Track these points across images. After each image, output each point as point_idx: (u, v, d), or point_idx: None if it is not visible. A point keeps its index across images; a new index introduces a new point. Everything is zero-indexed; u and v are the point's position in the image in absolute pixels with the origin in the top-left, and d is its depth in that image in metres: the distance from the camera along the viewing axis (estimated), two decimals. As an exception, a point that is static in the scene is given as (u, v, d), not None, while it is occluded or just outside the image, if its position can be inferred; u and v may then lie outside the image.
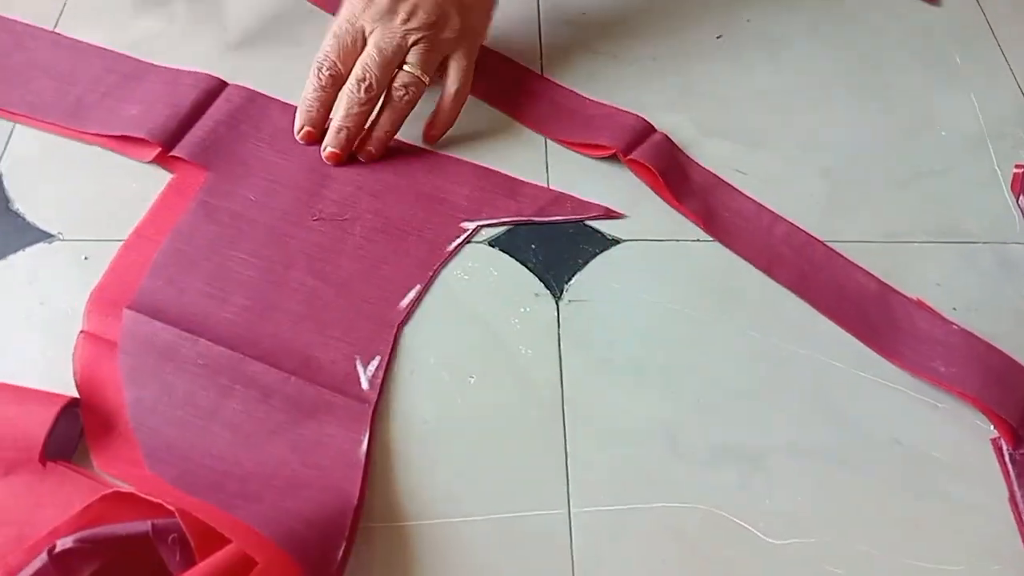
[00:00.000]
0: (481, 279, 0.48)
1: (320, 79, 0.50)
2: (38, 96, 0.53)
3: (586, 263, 0.49)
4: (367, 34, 0.49)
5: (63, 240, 0.48)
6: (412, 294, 0.47)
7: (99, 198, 0.50)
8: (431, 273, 0.48)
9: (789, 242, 0.51)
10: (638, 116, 0.55)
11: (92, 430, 0.41)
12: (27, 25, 0.57)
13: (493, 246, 0.50)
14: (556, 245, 0.50)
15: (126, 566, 0.36)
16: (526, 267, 0.49)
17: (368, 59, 0.49)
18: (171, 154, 0.50)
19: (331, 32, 0.50)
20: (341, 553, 0.38)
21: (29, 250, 0.47)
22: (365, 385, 0.44)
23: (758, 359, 0.46)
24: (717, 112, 0.57)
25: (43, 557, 0.35)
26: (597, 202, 0.52)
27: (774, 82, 0.59)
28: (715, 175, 0.53)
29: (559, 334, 0.46)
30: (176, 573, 0.36)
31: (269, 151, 0.51)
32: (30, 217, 0.48)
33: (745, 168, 0.54)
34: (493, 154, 0.54)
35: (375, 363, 0.44)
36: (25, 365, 0.43)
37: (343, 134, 0.50)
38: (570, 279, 0.49)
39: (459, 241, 0.49)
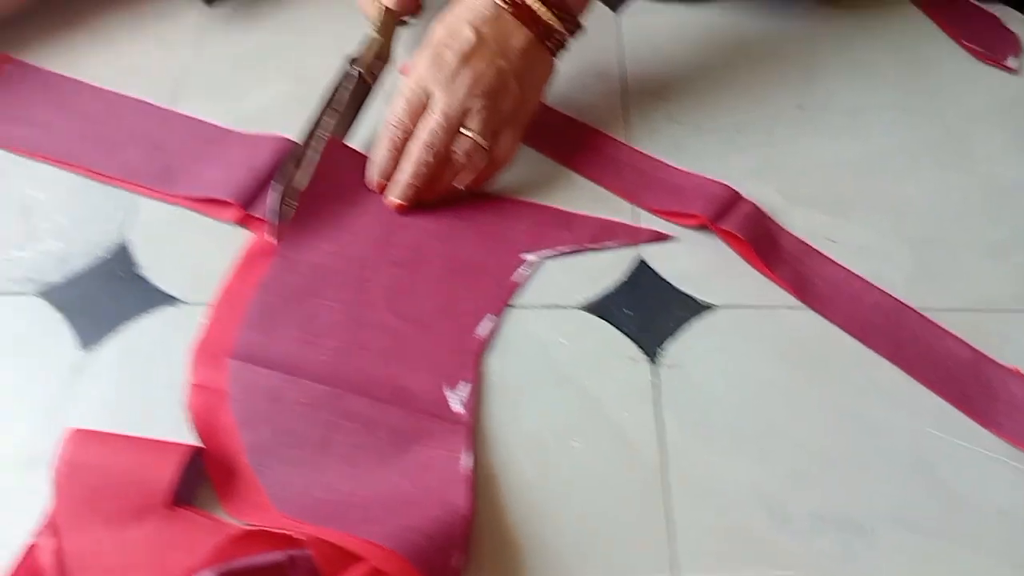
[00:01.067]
0: (578, 343, 0.50)
1: (395, 141, 0.54)
2: (130, 161, 0.57)
3: (681, 329, 0.50)
4: (432, 98, 0.53)
5: (185, 304, 0.51)
6: (487, 323, 0.50)
7: (217, 264, 0.52)
8: (502, 304, 0.51)
9: (881, 310, 0.52)
10: (725, 185, 0.56)
11: (217, 477, 0.44)
12: (117, 94, 0.61)
13: (588, 311, 0.51)
14: (649, 311, 0.51)
15: None
16: (622, 332, 0.50)
17: (435, 124, 0.52)
18: (249, 213, 0.54)
19: (401, 94, 0.53)
20: (456, 561, 0.41)
21: (155, 313, 0.50)
22: (458, 408, 0.47)
23: (856, 427, 0.47)
24: (803, 181, 0.58)
25: None
26: (649, 229, 0.55)
27: (859, 151, 0.60)
28: (805, 243, 0.54)
29: (657, 399, 0.48)
30: None
31: (341, 205, 0.55)
32: (155, 282, 0.52)
33: (834, 236, 0.55)
34: (585, 222, 0.55)
35: (462, 387, 0.48)
36: (152, 421, 0.46)
37: (410, 190, 0.54)
38: (665, 344, 0.50)
39: (522, 271, 0.53)
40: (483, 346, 0.50)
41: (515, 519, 0.43)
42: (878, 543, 0.43)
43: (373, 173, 0.55)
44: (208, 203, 0.55)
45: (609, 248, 0.54)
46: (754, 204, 0.55)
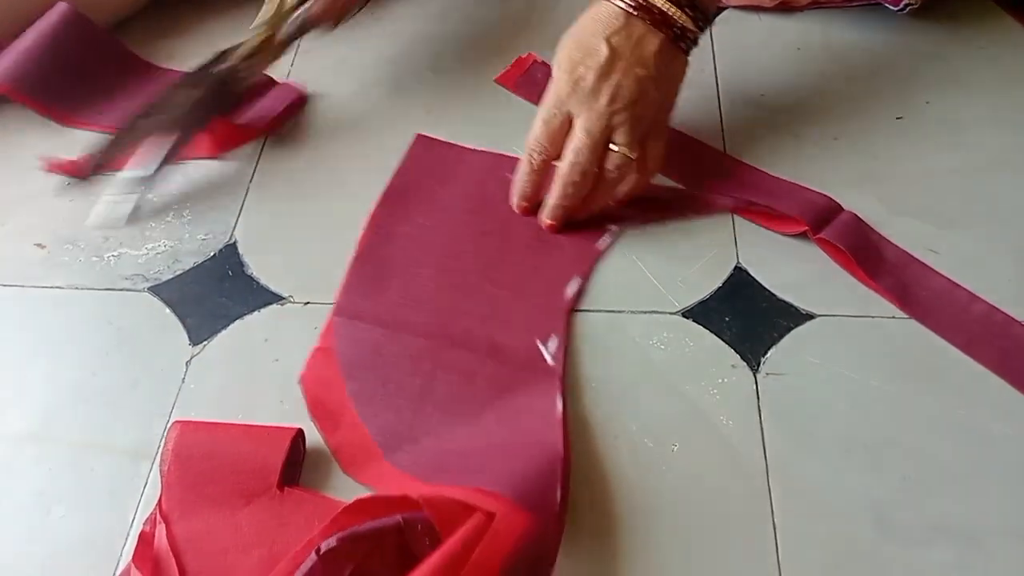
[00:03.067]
0: (677, 349, 0.50)
1: (532, 163, 0.53)
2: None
3: (781, 337, 0.50)
4: (574, 117, 0.52)
5: (293, 302, 0.52)
6: (574, 283, 0.53)
7: (324, 263, 0.54)
8: (587, 266, 0.54)
9: (987, 321, 0.51)
10: (825, 195, 0.56)
11: (325, 426, 0.47)
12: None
13: (687, 317, 0.51)
14: (750, 318, 0.51)
15: (380, 560, 0.40)
16: (721, 339, 0.50)
17: (579, 143, 0.51)
18: None
19: (540, 118, 0.53)
20: (559, 496, 0.42)
21: (264, 311, 0.52)
22: (549, 360, 0.49)
23: (965, 438, 0.46)
24: (904, 191, 0.57)
25: (312, 557, 0.39)
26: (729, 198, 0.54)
27: (959, 161, 0.59)
28: (907, 252, 0.54)
29: (759, 407, 0.47)
30: (427, 556, 0.39)
31: (433, 182, 0.58)
32: (263, 280, 0.53)
33: (936, 247, 0.54)
34: (679, 230, 0.56)
35: (553, 342, 0.50)
36: (259, 415, 0.47)
37: (560, 211, 0.54)
38: (766, 352, 0.49)
39: (605, 238, 0.55)
40: (572, 304, 0.52)
41: (615, 519, 0.43)
42: (990, 555, 0.42)
43: (514, 197, 0.56)
44: None
45: (691, 218, 0.55)
46: (854, 214, 0.55)
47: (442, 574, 0.37)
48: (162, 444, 0.43)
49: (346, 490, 0.44)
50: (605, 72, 0.51)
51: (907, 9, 0.67)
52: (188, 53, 0.67)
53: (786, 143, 0.60)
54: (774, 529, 0.43)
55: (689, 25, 0.52)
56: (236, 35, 0.67)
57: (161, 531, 0.42)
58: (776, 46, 0.67)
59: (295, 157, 0.60)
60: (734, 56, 0.66)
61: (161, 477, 0.43)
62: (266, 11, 0.57)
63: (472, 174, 0.59)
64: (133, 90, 0.64)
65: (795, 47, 0.67)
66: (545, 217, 0.55)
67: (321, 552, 0.39)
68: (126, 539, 0.43)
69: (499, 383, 0.48)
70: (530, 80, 0.65)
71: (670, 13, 0.52)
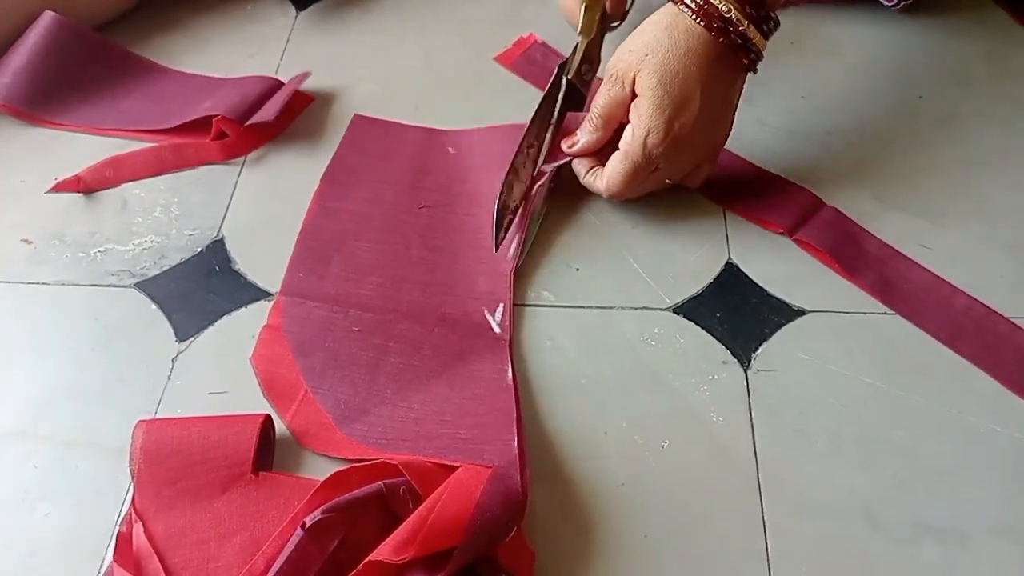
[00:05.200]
0: (667, 345, 0.50)
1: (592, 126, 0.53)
2: (130, 111, 0.61)
3: (772, 333, 0.50)
4: (641, 119, 0.50)
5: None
6: (515, 244, 0.53)
7: (309, 260, 0.53)
8: (526, 221, 0.54)
9: (970, 315, 0.50)
10: (806, 191, 0.56)
11: (281, 405, 0.47)
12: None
13: (677, 313, 0.51)
14: (741, 314, 0.51)
15: (366, 527, 0.41)
16: (712, 335, 0.50)
17: (636, 153, 0.50)
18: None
19: (608, 89, 0.51)
20: (516, 446, 0.44)
21: (251, 307, 0.51)
22: (496, 329, 0.50)
23: (954, 435, 0.46)
24: (897, 186, 0.57)
25: (299, 532, 0.40)
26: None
27: (953, 157, 0.59)
28: (891, 247, 0.53)
29: (749, 403, 0.47)
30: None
31: (372, 160, 0.59)
32: (251, 277, 0.53)
33: (930, 243, 0.54)
34: (670, 226, 0.55)
35: (500, 310, 0.51)
36: (247, 409, 0.46)
37: (611, 192, 0.53)
38: (757, 348, 0.49)
39: (540, 183, 0.54)
40: (515, 265, 0.52)
41: (605, 517, 0.43)
42: (977, 552, 0.42)
43: (576, 145, 0.54)
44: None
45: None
46: (836, 209, 0.55)
47: (421, 527, 0.38)
48: (129, 445, 0.43)
49: (320, 471, 0.44)
50: (681, 112, 0.49)
51: (900, 5, 0.67)
52: (179, 49, 0.67)
53: (779, 138, 0.60)
54: (764, 526, 0.43)
55: (761, 51, 0.51)
56: (229, 30, 0.67)
57: (138, 529, 0.42)
58: (770, 41, 0.67)
59: (283, 152, 0.60)
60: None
61: (132, 477, 0.43)
62: (585, 19, 0.58)
63: (411, 149, 0.60)
64: (132, 88, 0.63)
65: (788, 42, 0.67)
66: (601, 188, 0.53)
67: (307, 526, 0.39)
68: (111, 537, 0.43)
69: (449, 352, 0.49)
70: (529, 60, 0.66)
71: (754, 40, 0.50)
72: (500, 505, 0.41)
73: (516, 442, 0.44)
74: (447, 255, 0.54)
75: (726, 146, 0.55)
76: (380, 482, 0.41)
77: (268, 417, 0.45)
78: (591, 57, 0.57)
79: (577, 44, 0.57)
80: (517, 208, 0.53)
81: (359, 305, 0.51)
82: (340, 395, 0.47)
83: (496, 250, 0.52)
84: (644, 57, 0.49)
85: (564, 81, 0.55)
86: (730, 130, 0.54)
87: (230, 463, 0.43)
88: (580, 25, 0.57)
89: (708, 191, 0.57)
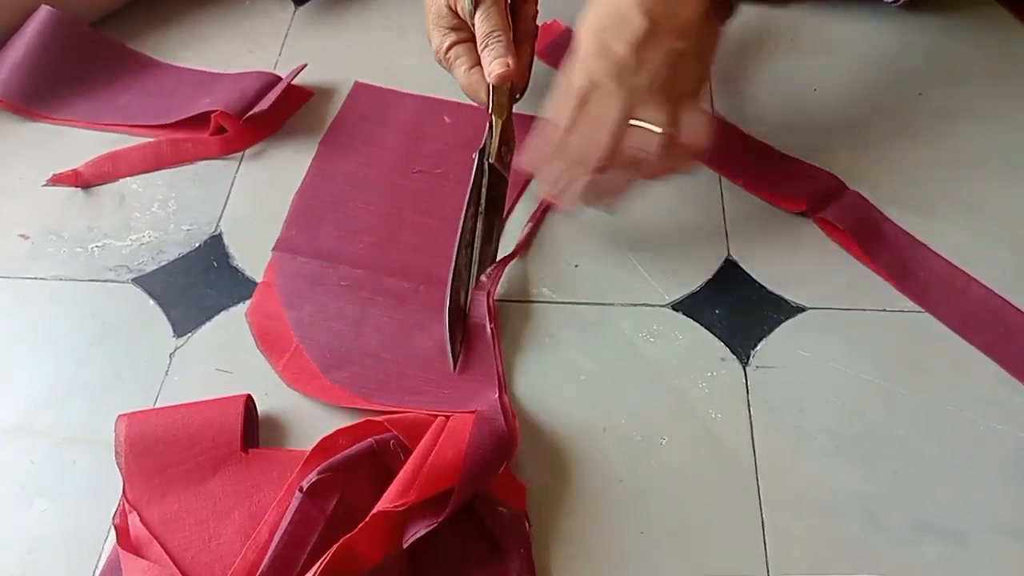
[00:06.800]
0: (666, 342, 0.49)
1: (551, 139, 0.49)
2: (127, 107, 0.61)
3: (771, 330, 0.50)
4: (595, 89, 0.46)
5: (279, 294, 0.52)
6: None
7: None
8: (517, 191, 0.56)
9: (985, 305, 0.50)
10: (831, 173, 0.56)
11: (273, 355, 0.49)
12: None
13: (676, 310, 0.51)
14: (740, 311, 0.51)
15: (361, 485, 0.41)
16: (711, 332, 0.50)
17: (605, 120, 0.46)
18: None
19: (561, 88, 0.48)
20: (499, 401, 0.45)
21: (248, 302, 0.51)
22: (483, 279, 0.51)
23: (955, 434, 0.46)
24: (894, 182, 0.57)
25: (297, 496, 0.40)
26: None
27: (950, 153, 0.59)
28: (909, 234, 0.53)
29: (748, 400, 0.47)
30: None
31: (369, 125, 0.61)
32: (249, 272, 0.53)
33: (929, 238, 0.53)
34: (669, 221, 0.55)
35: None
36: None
37: (584, 199, 0.50)
38: (756, 345, 0.49)
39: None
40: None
41: (603, 513, 0.43)
42: (979, 552, 0.42)
43: (541, 188, 0.52)
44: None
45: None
46: (857, 192, 0.55)
47: (417, 473, 0.40)
48: (113, 439, 0.43)
49: (307, 443, 0.44)
50: (639, 44, 0.45)
51: (900, 1, 0.67)
52: (177, 44, 0.66)
53: (778, 133, 0.60)
54: (762, 524, 0.43)
55: None
56: (227, 26, 0.67)
57: (134, 519, 0.42)
58: (769, 37, 0.67)
59: (281, 148, 0.60)
60: (727, 48, 0.65)
61: (120, 470, 0.43)
62: (495, 100, 0.53)
63: (408, 116, 0.61)
64: (130, 83, 0.63)
65: (788, 38, 0.67)
66: (568, 205, 0.51)
67: (304, 489, 0.40)
68: (108, 532, 0.43)
69: (432, 306, 0.50)
70: (559, 47, 0.63)
71: None
72: (490, 443, 0.42)
73: (498, 394, 0.46)
74: (438, 219, 0.55)
75: (745, 129, 0.54)
76: (370, 439, 0.42)
77: (249, 396, 0.46)
78: (507, 137, 0.53)
79: (491, 125, 0.52)
80: (466, 314, 0.50)
81: (349, 261, 0.53)
82: (327, 345, 0.49)
83: (455, 368, 0.48)
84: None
85: (487, 166, 0.52)
86: (707, 75, 0.50)
87: (218, 444, 0.44)
88: (491, 105, 0.52)
89: (726, 170, 0.57)
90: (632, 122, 0.46)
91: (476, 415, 0.44)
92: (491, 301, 0.50)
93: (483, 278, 0.51)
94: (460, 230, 0.50)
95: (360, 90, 0.63)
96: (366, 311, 0.50)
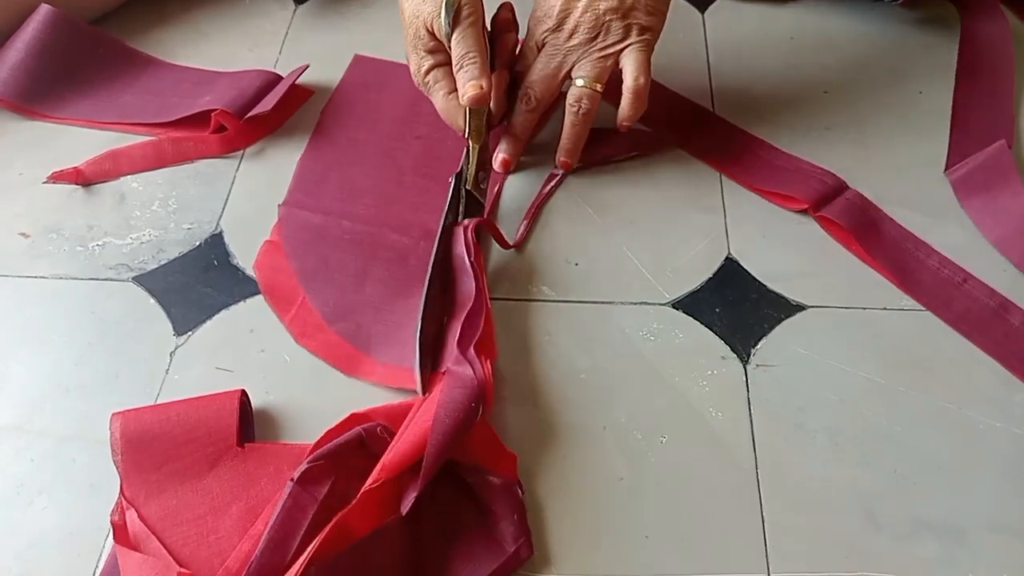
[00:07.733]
0: (666, 340, 0.49)
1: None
2: (128, 106, 0.62)
3: (771, 328, 0.50)
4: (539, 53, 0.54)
5: (280, 292, 0.52)
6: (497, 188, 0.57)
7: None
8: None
9: (985, 303, 0.51)
10: (831, 172, 0.56)
11: (279, 307, 0.51)
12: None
13: (676, 308, 0.51)
14: (740, 309, 0.51)
15: (351, 472, 0.42)
16: (711, 330, 0.50)
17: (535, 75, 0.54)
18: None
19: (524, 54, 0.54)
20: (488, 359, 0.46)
21: (249, 301, 0.51)
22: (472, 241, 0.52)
23: (955, 432, 0.46)
24: (896, 181, 0.57)
25: (289, 485, 0.41)
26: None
27: (952, 152, 0.59)
28: (910, 232, 0.54)
29: (749, 398, 0.47)
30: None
31: (370, 94, 0.63)
32: (249, 271, 0.52)
33: (929, 237, 0.53)
34: (670, 220, 0.55)
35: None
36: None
37: (513, 152, 0.57)
38: (756, 344, 0.49)
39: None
40: (502, 182, 0.57)
41: (603, 511, 0.43)
42: (976, 549, 0.42)
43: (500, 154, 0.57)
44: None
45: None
46: (858, 192, 0.55)
47: (395, 448, 0.41)
48: (109, 437, 0.43)
49: (301, 436, 0.45)
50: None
51: (900, 0, 0.67)
52: (177, 42, 0.66)
53: (779, 132, 0.60)
54: (762, 521, 0.43)
55: None
56: (227, 24, 0.67)
57: (132, 516, 0.42)
58: (769, 36, 0.67)
59: (282, 146, 0.60)
60: (727, 46, 0.66)
61: (116, 467, 0.43)
62: (472, 125, 0.53)
63: (407, 86, 0.59)
64: (130, 82, 0.63)
65: (788, 37, 0.67)
66: (501, 152, 0.57)
67: (295, 478, 0.41)
68: (108, 530, 0.43)
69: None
70: None
71: None
72: (460, 395, 0.43)
73: (474, 341, 0.47)
74: (437, 182, 0.56)
75: (747, 128, 0.55)
76: (358, 429, 0.43)
77: (243, 391, 0.46)
78: (484, 162, 0.54)
79: (468, 151, 0.54)
80: (440, 334, 0.49)
81: (352, 218, 0.55)
82: (329, 296, 0.51)
83: (423, 392, 0.46)
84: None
85: (463, 192, 0.53)
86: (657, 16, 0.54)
87: (214, 439, 0.44)
88: (467, 130, 0.53)
89: (730, 168, 0.57)
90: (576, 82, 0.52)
91: (446, 372, 0.45)
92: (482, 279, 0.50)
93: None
94: (433, 256, 0.50)
95: (360, 62, 0.65)
96: (367, 265, 0.52)
